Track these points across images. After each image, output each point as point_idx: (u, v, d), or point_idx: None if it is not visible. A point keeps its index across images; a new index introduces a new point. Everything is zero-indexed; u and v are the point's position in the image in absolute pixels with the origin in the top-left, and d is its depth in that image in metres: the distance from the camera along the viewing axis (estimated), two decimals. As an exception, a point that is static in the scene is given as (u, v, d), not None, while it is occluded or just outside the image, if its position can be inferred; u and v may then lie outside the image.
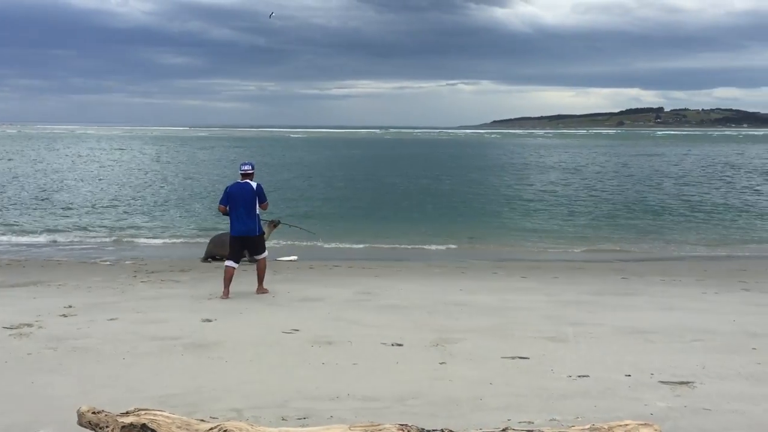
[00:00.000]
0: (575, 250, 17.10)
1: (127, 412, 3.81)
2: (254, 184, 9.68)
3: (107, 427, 3.74)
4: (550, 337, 7.26)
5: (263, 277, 10.08)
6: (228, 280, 9.70)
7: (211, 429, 3.69)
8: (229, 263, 9.77)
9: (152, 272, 12.35)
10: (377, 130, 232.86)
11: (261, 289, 9.98)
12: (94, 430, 3.82)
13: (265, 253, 10.06)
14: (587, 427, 3.83)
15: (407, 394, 5.30)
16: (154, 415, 3.80)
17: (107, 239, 17.86)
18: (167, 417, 3.80)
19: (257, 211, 9.72)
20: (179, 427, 3.75)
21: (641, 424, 4.22)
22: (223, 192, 9.99)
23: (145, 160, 53.59)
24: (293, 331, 7.37)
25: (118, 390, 5.33)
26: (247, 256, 10.87)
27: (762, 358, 6.49)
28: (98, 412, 3.78)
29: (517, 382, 5.67)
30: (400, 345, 6.85)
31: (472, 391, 5.40)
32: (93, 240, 17.77)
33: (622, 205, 25.96)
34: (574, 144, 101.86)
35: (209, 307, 8.85)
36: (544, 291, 10.47)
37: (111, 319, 7.94)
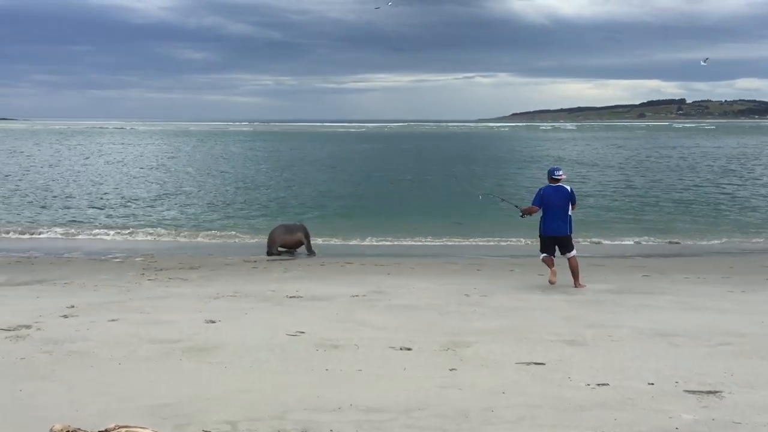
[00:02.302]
0: (594, 244, 16.67)
1: (105, 430, 3.53)
2: (568, 188, 10.48)
3: (83, 446, 3.46)
4: (567, 341, 6.90)
5: (578, 273, 10.50)
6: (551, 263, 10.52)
7: (196, 449, 3.39)
8: (544, 256, 10.60)
9: (161, 270, 12.12)
10: (402, 124, 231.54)
11: (578, 284, 10.40)
12: (69, 450, 3.54)
13: (574, 252, 10.60)
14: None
15: (414, 405, 4.97)
16: (135, 432, 3.51)
17: (126, 235, 17.72)
18: (149, 435, 3.51)
19: (569, 213, 10.44)
20: (162, 446, 3.45)
21: (666, 443, 3.87)
22: (536, 194, 10.69)
23: (214, 155, 53.67)
24: (298, 334, 7.07)
25: (109, 399, 5.05)
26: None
27: (794, 364, 6.09)
28: (73, 431, 3.49)
29: (532, 390, 5.33)
30: (408, 349, 6.52)
31: (484, 401, 5.06)
32: (110, 237, 17.61)
33: (643, 199, 25.41)
34: (600, 137, 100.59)
35: (214, 307, 8.58)
36: (561, 290, 10.09)
37: (112, 321, 7.69)
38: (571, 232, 10.50)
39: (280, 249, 14.67)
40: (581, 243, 16.74)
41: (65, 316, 7.95)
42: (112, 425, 3.58)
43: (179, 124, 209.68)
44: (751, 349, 6.56)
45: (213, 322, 7.65)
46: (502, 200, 13.00)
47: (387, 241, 16.83)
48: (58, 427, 3.53)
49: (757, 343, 6.78)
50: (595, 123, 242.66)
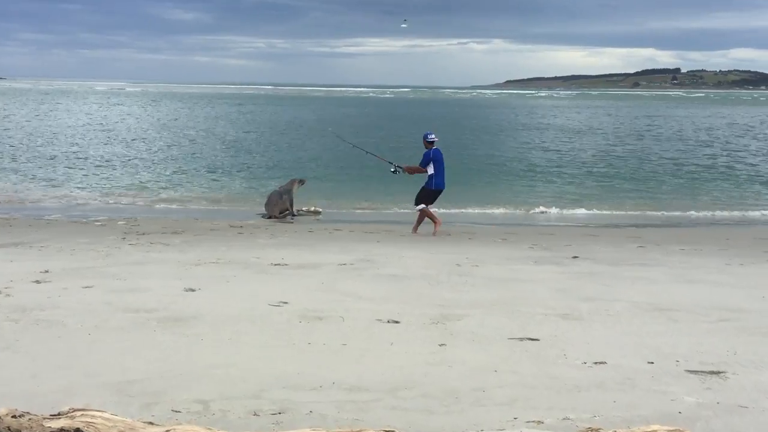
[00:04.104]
0: (587, 214, 16.40)
1: (58, 414, 3.20)
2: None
3: (32, 433, 3.13)
4: (562, 315, 6.60)
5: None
6: (421, 221, 12.61)
7: (158, 435, 3.07)
8: (422, 207, 12.51)
9: (143, 234, 11.74)
10: (405, 89, 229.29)
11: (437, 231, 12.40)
12: (17, 436, 3.21)
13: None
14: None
15: (400, 384, 4.66)
16: (92, 416, 3.19)
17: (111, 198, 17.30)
18: (107, 419, 3.19)
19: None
20: None
21: (671, 431, 3.59)
22: (424, 156, 12.42)
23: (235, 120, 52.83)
24: (281, 304, 6.74)
25: (75, 374, 4.72)
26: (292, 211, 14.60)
27: (799, 342, 5.82)
28: (20, 416, 3.16)
29: (525, 369, 5.03)
30: (396, 322, 6.21)
31: (474, 380, 4.76)
32: (95, 199, 17.16)
33: (638, 168, 25.13)
34: (596, 104, 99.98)
35: (195, 274, 8.23)
36: (555, 261, 9.79)
37: (86, 287, 7.32)
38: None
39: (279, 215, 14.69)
40: (576, 212, 16.49)
41: (37, 282, 7.59)
42: (66, 408, 3.25)
43: (169, 86, 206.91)
44: (754, 326, 6.28)
45: (192, 290, 7.30)
46: (367, 153, 14.37)
47: (377, 208, 16.50)
48: (3, 411, 3.18)
49: (759, 320, 6.50)
50: (590, 91, 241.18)
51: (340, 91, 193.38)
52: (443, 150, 12.79)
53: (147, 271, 8.37)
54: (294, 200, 14.95)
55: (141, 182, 19.97)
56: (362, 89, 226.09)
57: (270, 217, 14.55)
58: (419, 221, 12.66)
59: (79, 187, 18.80)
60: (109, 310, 6.38)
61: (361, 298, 7.15)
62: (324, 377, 4.74)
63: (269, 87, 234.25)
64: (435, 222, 12.51)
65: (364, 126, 45.47)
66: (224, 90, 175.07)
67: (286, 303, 6.80)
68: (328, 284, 7.78)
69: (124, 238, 11.23)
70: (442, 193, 12.65)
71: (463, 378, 4.80)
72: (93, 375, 4.69)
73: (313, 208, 15.46)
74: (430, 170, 12.32)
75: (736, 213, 17.08)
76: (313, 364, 5.04)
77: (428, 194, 12.49)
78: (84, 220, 13.75)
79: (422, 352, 5.37)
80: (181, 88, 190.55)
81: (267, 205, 14.88)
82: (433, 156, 12.33)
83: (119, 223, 13.29)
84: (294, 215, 14.75)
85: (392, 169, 12.83)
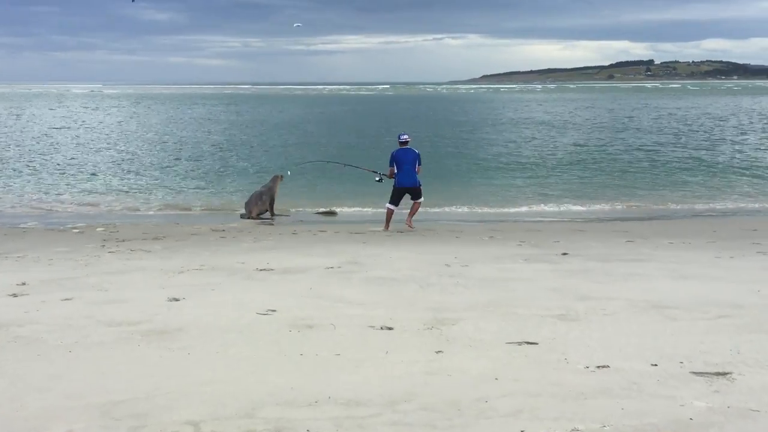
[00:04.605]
0: (572, 209, 16.33)
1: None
2: (416, 151, 13.08)
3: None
4: (558, 315, 6.44)
5: (413, 214, 13.16)
6: (389, 218, 12.98)
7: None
8: (390, 206, 13.04)
9: (123, 241, 11.45)
10: (386, 86, 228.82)
11: (409, 222, 13.00)
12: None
13: (421, 200, 13.15)
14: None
15: (399, 396, 4.46)
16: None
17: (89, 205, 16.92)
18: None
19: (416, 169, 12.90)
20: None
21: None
22: (390, 158, 13.06)
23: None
24: (269, 312, 6.51)
25: (55, 395, 4.46)
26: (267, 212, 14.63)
27: (801, 338, 5.71)
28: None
29: (527, 375, 4.85)
30: (390, 328, 6.01)
31: (476, 389, 4.58)
32: (72, 206, 16.78)
33: (618, 161, 25.17)
34: (571, 98, 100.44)
35: (179, 282, 7.97)
36: (545, 258, 9.65)
37: (66, 300, 7.05)
38: (420, 185, 12.96)
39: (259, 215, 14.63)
40: (560, 209, 16.40)
41: (14, 295, 7.30)
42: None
43: (146, 87, 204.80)
44: (754, 323, 6.17)
45: (176, 299, 7.05)
46: (345, 165, 15.24)
47: (362, 207, 16.30)
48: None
49: (758, 316, 6.38)
50: (567, 84, 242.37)
51: (319, 89, 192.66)
52: (423, 148, 12.83)
53: (129, 281, 8.09)
54: (276, 197, 14.89)
55: (120, 187, 19.59)
56: (341, 87, 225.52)
57: (249, 218, 14.46)
58: (387, 219, 13.04)
59: (57, 194, 18.38)
60: (90, 324, 6.11)
61: (351, 303, 6.95)
62: (319, 391, 4.53)
63: (248, 86, 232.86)
64: (386, 224, 12.97)
65: (357, 126, 45.19)
66: (203, 90, 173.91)
67: (274, 311, 6.57)
68: (317, 289, 7.56)
69: (104, 246, 10.94)
70: (421, 190, 13.01)
71: (464, 387, 4.61)
72: (75, 396, 4.44)
73: (329, 209, 15.57)
74: (396, 169, 12.87)
75: (717, 204, 17.12)
76: (307, 376, 4.83)
77: (394, 192, 13.00)
78: (61, 227, 13.41)
79: (419, 361, 5.17)
80: (158, 89, 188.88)
81: (247, 204, 14.82)
82: (396, 156, 12.91)
83: (98, 229, 12.97)
84: (274, 216, 14.56)
85: (377, 178, 13.60)
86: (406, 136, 13.12)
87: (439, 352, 5.38)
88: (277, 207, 14.90)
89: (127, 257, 9.85)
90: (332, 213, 15.53)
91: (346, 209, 16.02)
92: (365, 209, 15.96)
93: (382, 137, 32.28)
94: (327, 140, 33.69)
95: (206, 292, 7.42)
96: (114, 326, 6.05)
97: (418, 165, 12.93)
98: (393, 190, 12.99)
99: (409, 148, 12.96)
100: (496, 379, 4.78)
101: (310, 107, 77.01)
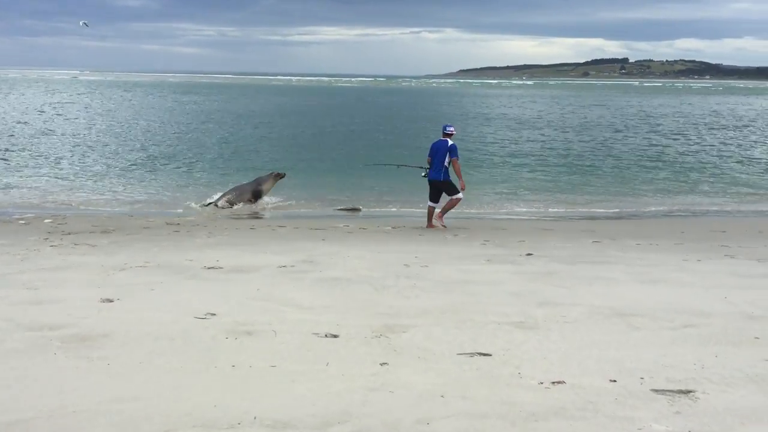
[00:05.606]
0: (539, 208, 16.03)
1: None
2: (450, 142, 12.24)
3: None
4: (516, 323, 6.07)
5: (446, 211, 12.48)
6: (430, 215, 12.48)
7: None
8: (429, 203, 12.57)
9: (68, 234, 10.87)
10: (366, 79, 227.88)
11: (439, 219, 12.36)
12: None
13: (457, 196, 12.33)
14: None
15: (333, 416, 4.05)
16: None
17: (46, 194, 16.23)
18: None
19: (446, 163, 12.19)
20: None
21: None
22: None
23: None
24: (208, 316, 6.06)
25: (-54, 414, 3.97)
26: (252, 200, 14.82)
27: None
28: None
29: (476, 392, 4.46)
30: (335, 336, 5.59)
31: (418, 409, 4.17)
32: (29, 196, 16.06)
33: (585, 159, 25.00)
34: (552, 94, 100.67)
35: (117, 281, 7.47)
36: (508, 259, 9.30)
37: (-10, 299, 6.52)
38: (443, 179, 12.23)
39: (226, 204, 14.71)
40: (522, 208, 16.07)
41: (-67, 294, 6.74)
42: None
43: (120, 75, 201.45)
44: (719, 333, 5.85)
45: (110, 300, 6.56)
46: (399, 166, 14.19)
47: (335, 199, 15.86)
48: None
49: (724, 326, 6.07)
50: (544, 80, 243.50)
51: (297, 80, 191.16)
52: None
53: (63, 279, 7.57)
54: (266, 193, 15.10)
55: (75, 176, 18.90)
56: (320, 78, 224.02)
57: (213, 204, 14.64)
58: (428, 216, 12.57)
59: (8, 182, 17.64)
60: (7, 328, 5.60)
61: (298, 307, 6.51)
62: (245, 410, 4.10)
63: (228, 76, 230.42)
64: (427, 222, 12.52)
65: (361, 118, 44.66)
66: (179, 79, 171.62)
67: (214, 315, 6.12)
68: (264, 291, 7.11)
69: (47, 239, 10.36)
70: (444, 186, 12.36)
71: (406, 406, 4.21)
72: (-32, 415, 3.95)
73: (352, 206, 15.08)
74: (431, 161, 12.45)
75: (687, 203, 16.96)
76: (235, 392, 4.39)
77: (430, 187, 12.52)
78: (6, 218, 12.76)
79: (362, 374, 4.76)
80: (133, 76, 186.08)
81: (229, 191, 15.05)
82: (431, 147, 12.50)
83: (45, 221, 12.37)
84: (246, 204, 14.75)
85: (423, 174, 12.72)
86: (451, 128, 12.38)
87: (384, 364, 4.97)
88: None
89: (68, 252, 9.31)
90: (356, 210, 14.90)
91: (369, 209, 15.25)
92: (390, 209, 15.29)
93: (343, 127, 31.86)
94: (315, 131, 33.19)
95: (144, 293, 6.93)
96: (34, 331, 5.55)
97: (450, 158, 12.14)
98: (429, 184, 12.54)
99: (444, 140, 12.25)
100: (442, 396, 4.39)
101: (307, 97, 76.17)
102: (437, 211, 12.53)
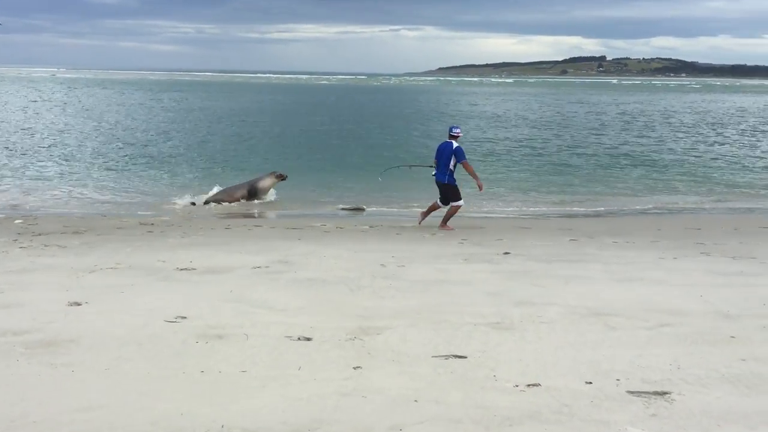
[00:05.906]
0: (517, 206, 16.00)
1: None
2: (454, 144, 11.97)
3: None
4: (492, 323, 6.01)
5: (447, 218, 12.18)
6: (430, 209, 12.48)
7: None
8: (438, 202, 12.42)
9: (39, 234, 10.64)
10: (344, 76, 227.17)
11: (442, 226, 12.08)
12: None
13: (457, 203, 12.14)
14: None
15: (303, 424, 3.95)
16: None
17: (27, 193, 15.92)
18: None
19: (451, 166, 11.97)
20: None
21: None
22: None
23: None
24: (178, 320, 5.93)
25: None
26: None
27: (744, 351, 5.38)
28: None
29: (450, 396, 4.39)
30: (308, 339, 5.49)
31: (391, 414, 4.09)
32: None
33: (564, 157, 25.07)
34: (528, 92, 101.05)
35: (86, 283, 7.30)
36: (486, 258, 9.24)
37: (-48, 304, 6.34)
38: (446, 182, 12.04)
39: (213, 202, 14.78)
40: (500, 207, 16.02)
41: None
42: None
43: (97, 73, 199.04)
44: (695, 333, 5.83)
45: (78, 304, 6.40)
46: (411, 167, 14.05)
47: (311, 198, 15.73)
48: None
49: (700, 325, 6.06)
50: (523, 78, 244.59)
51: (276, 78, 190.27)
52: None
53: (31, 281, 7.39)
54: (263, 193, 15.10)
55: (50, 175, 18.58)
56: (299, 76, 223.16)
57: (205, 203, 14.69)
58: (424, 211, 12.67)
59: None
60: (-30, 334, 5.44)
61: (272, 309, 6.40)
62: (213, 418, 3.99)
63: (208, 73, 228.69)
64: (424, 214, 12.58)
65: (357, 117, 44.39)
66: (158, 77, 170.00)
67: (184, 318, 5.99)
68: (237, 293, 6.98)
69: (16, 240, 10.14)
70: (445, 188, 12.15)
71: (379, 412, 4.13)
72: None
73: (356, 206, 14.81)
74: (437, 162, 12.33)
75: (663, 200, 17.02)
76: (204, 399, 4.28)
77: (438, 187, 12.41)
78: (-23, 219, 12.49)
79: (334, 378, 4.67)
80: (111, 74, 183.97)
81: (222, 190, 15.11)
82: (437, 149, 12.36)
83: (16, 221, 12.12)
84: (238, 202, 14.79)
85: (433, 173, 12.44)
86: (457, 130, 12.17)
87: (358, 368, 4.88)
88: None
89: (38, 253, 9.10)
90: (360, 209, 14.64)
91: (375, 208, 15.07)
92: (392, 209, 15.09)
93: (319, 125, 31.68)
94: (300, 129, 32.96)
95: (114, 296, 6.78)
96: (-3, 336, 5.39)
97: (457, 161, 11.92)
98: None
99: (449, 142, 11.99)
100: (416, 401, 4.31)
101: (293, 95, 75.72)
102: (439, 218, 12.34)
